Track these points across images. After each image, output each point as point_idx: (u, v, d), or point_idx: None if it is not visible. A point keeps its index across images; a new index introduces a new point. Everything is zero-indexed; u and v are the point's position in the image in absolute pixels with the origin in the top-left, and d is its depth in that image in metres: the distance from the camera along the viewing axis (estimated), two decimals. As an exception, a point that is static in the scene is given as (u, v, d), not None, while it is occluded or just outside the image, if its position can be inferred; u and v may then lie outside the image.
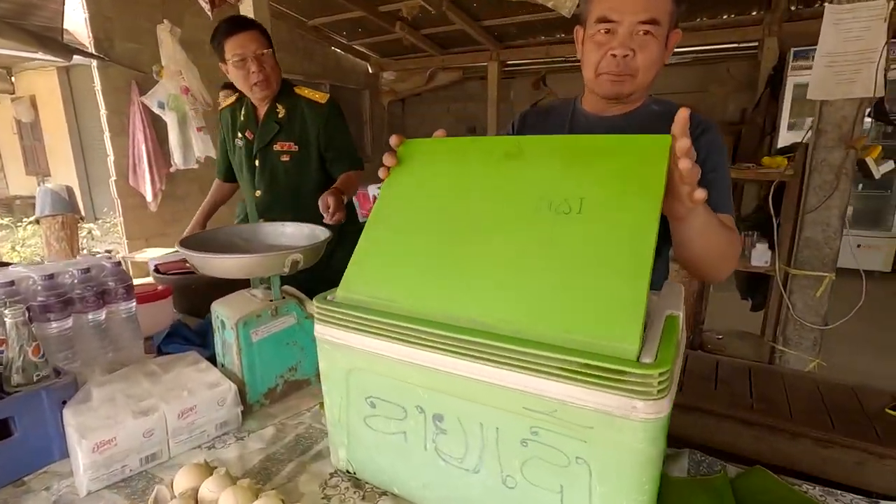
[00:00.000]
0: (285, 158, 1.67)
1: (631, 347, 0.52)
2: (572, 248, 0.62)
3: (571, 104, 1.08)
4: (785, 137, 4.53)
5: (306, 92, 1.67)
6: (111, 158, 4.21)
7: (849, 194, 1.85)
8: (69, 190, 3.83)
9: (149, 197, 4.29)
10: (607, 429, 0.53)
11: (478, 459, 0.63)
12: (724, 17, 5.06)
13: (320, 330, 0.73)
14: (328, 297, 0.74)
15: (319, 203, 1.37)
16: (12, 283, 1.02)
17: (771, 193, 2.01)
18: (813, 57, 4.31)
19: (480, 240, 0.68)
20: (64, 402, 0.84)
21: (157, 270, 1.56)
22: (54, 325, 1.04)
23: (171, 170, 3.60)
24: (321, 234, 1.06)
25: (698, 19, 5.16)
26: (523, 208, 0.67)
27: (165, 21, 3.26)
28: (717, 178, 0.87)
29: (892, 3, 1.69)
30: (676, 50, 0.99)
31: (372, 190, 4.80)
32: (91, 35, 3.90)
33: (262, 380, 0.97)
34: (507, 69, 6.66)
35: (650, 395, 0.50)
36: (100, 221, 5.66)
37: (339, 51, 6.61)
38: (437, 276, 0.67)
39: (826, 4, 1.69)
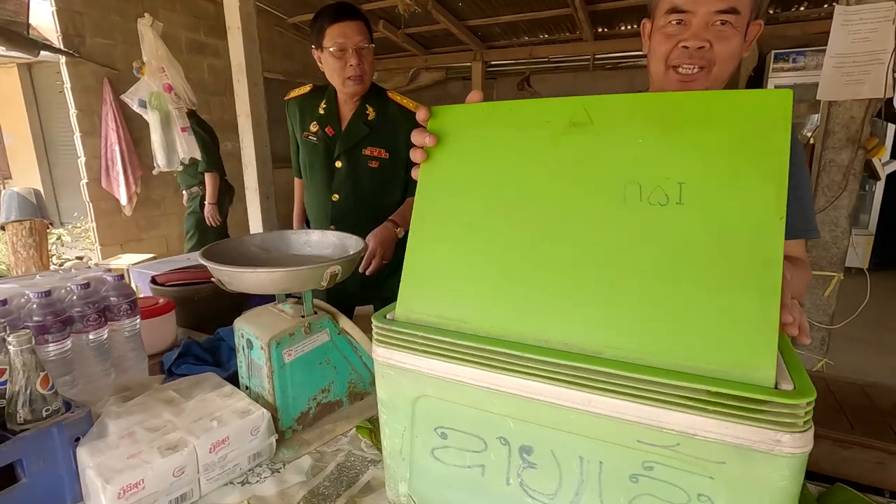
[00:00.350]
0: (373, 165, 1.52)
1: (767, 374, 0.47)
2: (676, 250, 0.52)
3: None
4: (766, 138, 4.62)
5: (398, 98, 1.55)
6: (82, 160, 3.99)
7: (856, 194, 1.88)
8: (37, 193, 3.60)
9: (123, 200, 4.08)
10: (742, 464, 0.47)
11: (573, 496, 0.57)
12: (705, 19, 5.15)
13: (382, 354, 0.65)
14: (387, 317, 0.66)
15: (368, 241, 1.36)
16: (5, 301, 0.91)
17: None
18: (793, 59, 4.44)
19: (557, 240, 0.58)
20: (77, 439, 0.74)
21: (154, 282, 1.44)
22: (52, 346, 0.93)
23: (154, 172, 3.42)
24: (353, 243, 0.98)
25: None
26: (605, 197, 0.56)
27: (147, 15, 3.09)
28: (800, 195, 0.82)
29: None
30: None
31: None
32: (59, 30, 3.68)
33: (294, 404, 0.89)
34: (490, 69, 6.63)
35: (796, 427, 0.45)
36: (69, 226, 5.37)
37: (319, 49, 6.46)
38: (512, 290, 0.59)
39: (835, 5, 1.70)
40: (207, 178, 3.53)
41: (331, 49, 1.41)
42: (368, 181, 1.53)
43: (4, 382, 0.73)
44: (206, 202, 3.61)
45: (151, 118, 3.05)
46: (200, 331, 1.34)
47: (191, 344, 1.10)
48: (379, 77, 7.09)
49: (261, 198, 3.06)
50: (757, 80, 4.89)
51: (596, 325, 0.54)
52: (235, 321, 0.92)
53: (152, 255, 3.84)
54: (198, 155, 3.32)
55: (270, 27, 5.67)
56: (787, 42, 4.77)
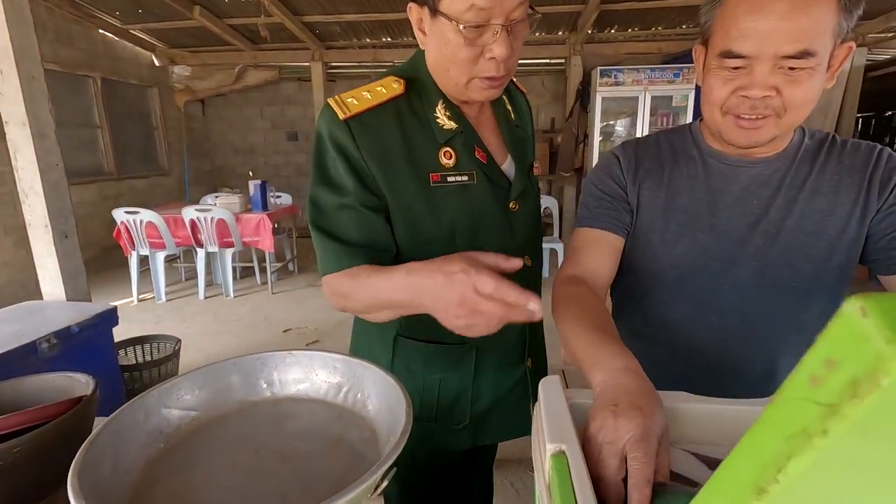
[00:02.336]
0: (536, 191, 0.91)
1: None
2: None
3: (690, 141, 0.80)
4: (599, 144, 5.14)
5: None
6: None
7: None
8: None
9: None
10: None
11: None
12: (536, 34, 5.52)
13: None
14: None
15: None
16: None
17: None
18: (614, 76, 5.00)
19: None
20: None
21: None
22: None
23: None
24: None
25: (516, 34, 5.52)
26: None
27: None
28: None
29: None
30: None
31: (189, 212, 3.84)
32: None
33: None
34: (331, 71, 6.14)
35: None
36: None
37: (110, 35, 5.17)
38: None
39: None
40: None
41: (461, 20, 0.65)
42: (538, 221, 0.91)
43: None
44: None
45: None
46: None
47: None
48: (194, 73, 6.02)
49: (55, 237, 2.19)
50: (585, 91, 5.42)
51: None
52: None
53: None
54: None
55: (37, 1, 4.31)
56: (604, 60, 5.38)
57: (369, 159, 0.71)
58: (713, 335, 0.79)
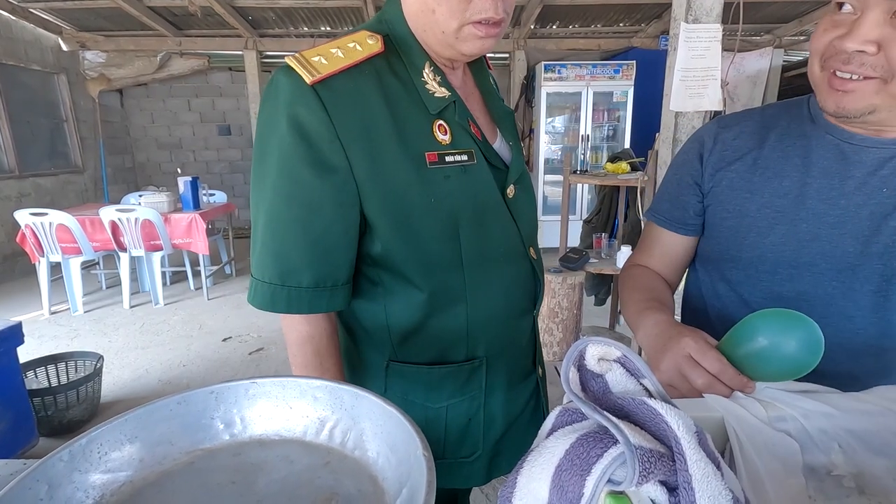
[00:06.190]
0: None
1: None
2: None
3: (806, 114, 0.67)
4: (544, 139, 5.18)
5: None
6: None
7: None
8: None
9: None
10: None
11: None
12: (480, 28, 5.47)
13: None
14: None
15: None
16: None
17: (627, 197, 2.12)
18: (558, 70, 5.05)
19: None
20: None
21: None
22: None
23: None
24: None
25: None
26: None
27: None
28: None
29: (735, 31, 1.92)
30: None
31: (109, 213, 3.42)
32: None
33: None
34: (265, 61, 5.78)
35: None
36: None
37: (5, 14, 4.56)
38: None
39: (681, 23, 1.81)
40: None
41: None
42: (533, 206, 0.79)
43: None
44: None
45: None
46: None
47: None
48: (110, 59, 5.47)
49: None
50: (529, 86, 5.45)
51: None
52: None
53: None
54: None
55: None
56: (547, 55, 5.43)
57: (347, 138, 0.56)
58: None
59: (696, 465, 0.35)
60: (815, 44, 0.58)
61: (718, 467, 0.37)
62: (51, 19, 4.91)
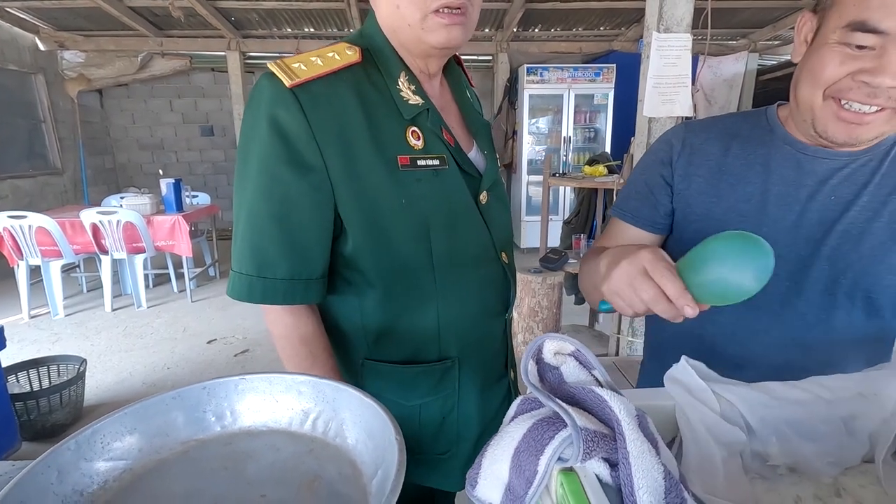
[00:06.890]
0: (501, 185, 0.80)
1: None
2: None
3: (764, 124, 0.71)
4: (528, 140, 5.26)
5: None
6: None
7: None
8: None
9: None
10: None
11: None
12: (464, 30, 5.53)
13: None
14: None
15: None
16: None
17: (605, 199, 2.19)
18: (540, 73, 5.13)
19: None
20: None
21: None
22: None
23: None
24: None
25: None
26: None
27: None
28: None
29: (706, 36, 2.00)
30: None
31: (89, 215, 3.39)
32: None
33: None
34: (248, 62, 5.76)
35: None
36: None
37: (-20, 13, 4.48)
38: None
39: (654, 32, 1.89)
40: None
41: None
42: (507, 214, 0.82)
43: None
44: None
45: None
46: None
47: None
48: (89, 60, 5.40)
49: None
50: (512, 89, 5.52)
51: None
52: None
53: None
54: None
55: None
56: (529, 58, 5.51)
57: (323, 139, 0.60)
58: (769, 341, 0.70)
59: (634, 443, 0.40)
60: (825, 75, 0.57)
61: (655, 446, 0.42)
62: (28, 18, 4.83)
